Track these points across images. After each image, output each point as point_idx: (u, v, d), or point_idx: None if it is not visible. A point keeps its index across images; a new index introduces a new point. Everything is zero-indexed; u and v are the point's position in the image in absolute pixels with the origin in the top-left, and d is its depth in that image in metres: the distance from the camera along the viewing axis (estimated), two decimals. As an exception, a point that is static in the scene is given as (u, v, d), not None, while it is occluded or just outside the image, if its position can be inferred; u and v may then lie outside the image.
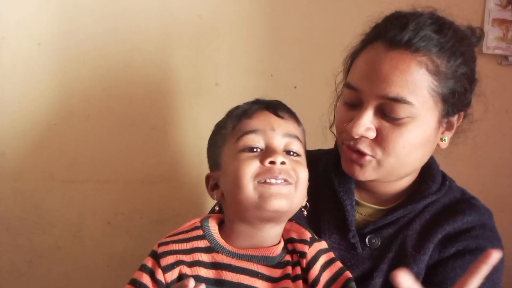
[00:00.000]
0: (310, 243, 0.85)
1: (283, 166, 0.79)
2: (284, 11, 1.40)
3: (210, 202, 0.90)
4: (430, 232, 0.91)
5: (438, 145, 0.93)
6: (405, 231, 0.93)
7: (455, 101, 0.88)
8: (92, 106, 1.41)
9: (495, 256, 0.66)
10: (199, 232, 0.84)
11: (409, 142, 0.87)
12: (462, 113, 0.93)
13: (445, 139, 0.93)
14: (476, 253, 0.88)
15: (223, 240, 0.83)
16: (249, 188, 0.78)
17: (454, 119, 0.92)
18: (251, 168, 0.79)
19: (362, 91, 0.87)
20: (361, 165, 0.90)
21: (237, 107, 0.89)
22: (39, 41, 1.36)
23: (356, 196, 0.98)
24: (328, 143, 1.06)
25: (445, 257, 0.90)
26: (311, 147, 1.05)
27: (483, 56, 1.37)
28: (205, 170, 0.92)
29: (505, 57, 1.40)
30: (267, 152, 0.81)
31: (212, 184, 0.88)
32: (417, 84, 0.84)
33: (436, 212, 0.95)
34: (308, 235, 0.87)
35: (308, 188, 0.90)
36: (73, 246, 1.47)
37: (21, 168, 1.42)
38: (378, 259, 0.92)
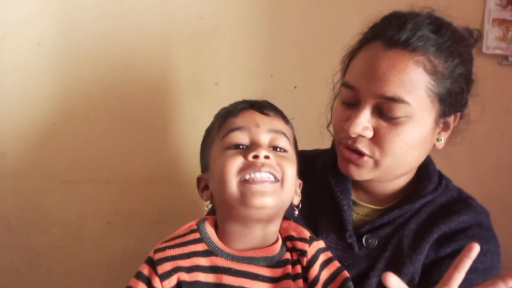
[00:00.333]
0: (309, 241, 0.85)
1: (267, 160, 0.79)
2: (284, 11, 1.40)
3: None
4: (426, 231, 0.91)
5: (434, 145, 0.93)
6: (402, 231, 0.93)
7: (451, 101, 0.88)
8: (92, 106, 1.41)
9: (476, 249, 0.69)
10: (196, 235, 0.82)
11: (406, 142, 0.87)
12: (458, 114, 0.93)
13: (441, 139, 0.93)
14: None
15: (221, 243, 0.82)
16: (233, 184, 0.78)
17: (451, 119, 0.92)
18: (235, 164, 0.78)
19: (359, 90, 0.87)
20: (358, 165, 0.90)
21: (223, 108, 0.89)
22: (39, 41, 1.36)
23: (353, 196, 0.98)
24: (325, 143, 1.07)
25: (441, 257, 0.91)
26: (310, 146, 1.05)
27: (483, 56, 1.37)
28: (205, 170, 0.92)
29: (505, 57, 1.39)
30: (251, 147, 0.80)
31: (203, 186, 0.88)
32: (414, 83, 0.84)
33: (432, 212, 0.95)
34: (307, 233, 0.86)
35: (305, 188, 0.91)
36: (73, 246, 1.47)
37: (21, 168, 1.42)
38: (374, 259, 0.92)
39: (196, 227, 0.84)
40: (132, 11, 1.37)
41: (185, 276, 0.77)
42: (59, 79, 1.39)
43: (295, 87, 1.44)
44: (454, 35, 0.88)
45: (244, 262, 0.80)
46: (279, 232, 0.86)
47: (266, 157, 0.79)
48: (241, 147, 0.81)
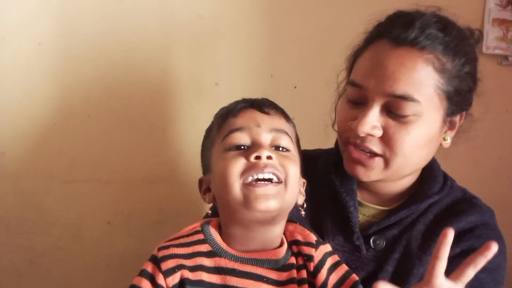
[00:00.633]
0: (316, 246, 0.83)
1: (270, 160, 0.77)
2: (284, 11, 1.40)
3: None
4: (434, 232, 0.91)
5: (440, 144, 0.93)
6: (409, 232, 0.93)
7: (459, 100, 0.88)
8: (92, 106, 1.41)
9: (494, 249, 0.68)
10: (200, 236, 0.82)
11: (415, 141, 0.86)
12: (464, 113, 0.93)
13: (447, 138, 0.93)
14: None
15: (225, 244, 0.81)
16: (236, 187, 0.77)
17: (457, 118, 0.92)
18: (237, 166, 0.77)
19: (367, 88, 0.87)
20: (367, 167, 0.89)
21: (223, 108, 0.88)
22: (39, 41, 1.36)
23: (358, 197, 0.97)
24: (326, 143, 1.06)
25: (450, 257, 0.90)
26: (310, 146, 1.05)
27: (483, 56, 1.37)
28: (205, 170, 0.92)
29: (505, 57, 1.39)
30: (253, 148, 0.79)
31: (205, 188, 0.87)
32: (423, 82, 0.84)
33: (439, 212, 0.94)
34: (313, 237, 0.85)
35: (307, 189, 0.90)
36: (73, 246, 1.47)
37: (21, 168, 1.42)
38: (382, 260, 0.92)
39: (200, 229, 0.83)
40: (132, 11, 1.37)
41: (188, 274, 0.77)
42: (59, 79, 1.38)
43: (295, 87, 1.44)
44: (460, 34, 0.89)
45: (248, 264, 0.79)
46: (285, 235, 0.85)
47: (269, 157, 0.77)
48: (242, 147, 0.80)
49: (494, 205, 0.98)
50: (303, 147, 0.93)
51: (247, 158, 0.77)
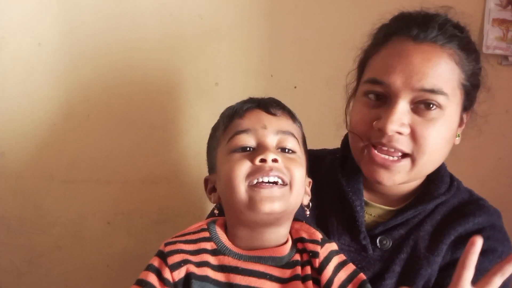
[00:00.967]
0: (321, 243, 0.83)
1: (275, 164, 0.77)
2: (284, 11, 1.40)
3: (211, 203, 0.90)
4: (442, 233, 0.91)
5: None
6: (417, 232, 0.92)
7: (472, 96, 0.90)
8: (92, 106, 1.41)
9: (479, 242, 0.68)
10: (206, 234, 0.82)
11: (441, 137, 0.86)
12: (471, 109, 0.94)
13: (459, 135, 0.93)
14: (487, 254, 0.86)
15: (230, 242, 0.81)
16: (241, 189, 0.77)
17: (465, 115, 0.93)
18: (242, 168, 0.77)
19: (391, 85, 0.85)
20: (392, 170, 0.87)
21: (229, 108, 0.87)
22: (39, 41, 1.36)
23: (365, 197, 0.97)
24: (326, 143, 1.06)
25: (458, 258, 0.90)
26: (311, 146, 1.05)
27: (483, 56, 1.36)
28: (205, 170, 0.92)
29: (505, 57, 1.39)
30: (258, 150, 0.79)
31: (210, 187, 0.87)
32: (449, 76, 0.85)
33: (446, 213, 0.94)
34: (319, 235, 0.85)
35: (312, 188, 0.89)
36: (73, 246, 1.47)
37: (21, 168, 1.42)
38: (388, 260, 0.91)
39: (206, 227, 0.84)
40: (132, 11, 1.37)
41: (194, 269, 0.77)
42: (59, 79, 1.38)
43: (295, 87, 1.44)
44: (468, 33, 0.91)
45: (251, 261, 0.79)
46: (290, 233, 0.85)
47: (274, 160, 0.77)
48: (248, 149, 0.80)
49: (494, 205, 0.98)
50: (303, 147, 0.93)
51: (252, 161, 0.78)
